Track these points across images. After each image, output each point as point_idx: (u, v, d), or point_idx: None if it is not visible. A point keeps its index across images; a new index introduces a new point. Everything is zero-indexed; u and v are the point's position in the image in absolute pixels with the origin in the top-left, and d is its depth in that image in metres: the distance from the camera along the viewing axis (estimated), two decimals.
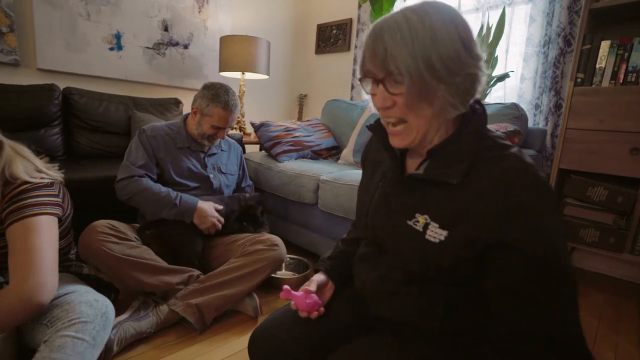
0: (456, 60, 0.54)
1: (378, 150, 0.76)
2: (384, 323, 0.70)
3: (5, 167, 0.89)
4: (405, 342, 0.67)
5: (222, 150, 1.61)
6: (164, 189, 1.37)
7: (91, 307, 0.87)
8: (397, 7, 2.47)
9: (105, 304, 0.92)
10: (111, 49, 2.28)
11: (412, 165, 0.69)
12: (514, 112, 1.67)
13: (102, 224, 1.21)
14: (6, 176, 0.89)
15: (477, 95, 0.60)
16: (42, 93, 1.86)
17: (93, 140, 2.04)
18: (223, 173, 1.58)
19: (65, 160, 1.90)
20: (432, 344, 0.65)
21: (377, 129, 0.71)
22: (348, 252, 0.86)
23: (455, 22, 0.56)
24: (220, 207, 1.42)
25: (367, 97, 0.66)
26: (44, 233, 0.87)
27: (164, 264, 1.27)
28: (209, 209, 1.38)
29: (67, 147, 1.99)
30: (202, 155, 1.52)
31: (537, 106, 2.07)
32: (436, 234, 0.60)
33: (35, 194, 0.91)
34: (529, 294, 0.54)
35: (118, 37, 2.29)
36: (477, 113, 0.62)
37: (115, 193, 1.37)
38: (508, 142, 0.61)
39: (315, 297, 0.76)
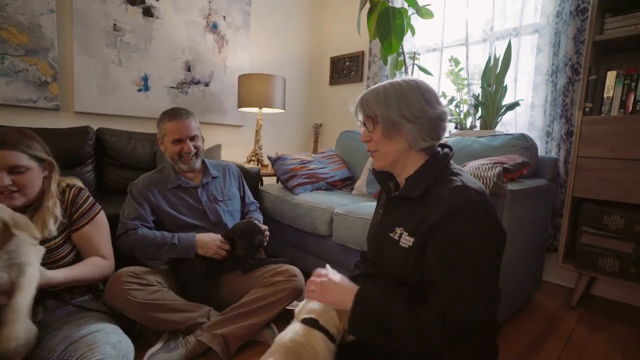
0: (419, 109, 0.83)
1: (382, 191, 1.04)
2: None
3: (60, 181, 1.18)
4: None
5: (213, 177, 1.62)
6: (158, 233, 1.42)
7: (114, 348, 0.95)
8: (406, 41, 2.57)
9: (127, 345, 1.00)
10: (139, 90, 2.46)
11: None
12: (522, 142, 1.70)
13: (124, 272, 1.29)
14: (62, 187, 1.19)
15: (445, 135, 0.90)
16: (78, 135, 2.02)
17: (122, 176, 2.17)
18: (220, 201, 1.60)
19: (97, 196, 2.02)
20: None
21: (378, 174, 0.98)
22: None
23: (419, 88, 0.85)
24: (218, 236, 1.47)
25: None
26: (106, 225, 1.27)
27: (184, 302, 1.35)
28: (207, 236, 1.44)
29: (98, 183, 2.13)
30: (194, 190, 1.55)
31: (548, 133, 2.10)
32: (406, 240, 0.83)
33: (88, 194, 1.25)
34: (434, 272, 0.76)
35: (145, 79, 2.48)
36: (443, 152, 0.89)
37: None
38: (460, 172, 0.85)
39: None
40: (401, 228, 0.85)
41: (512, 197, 1.37)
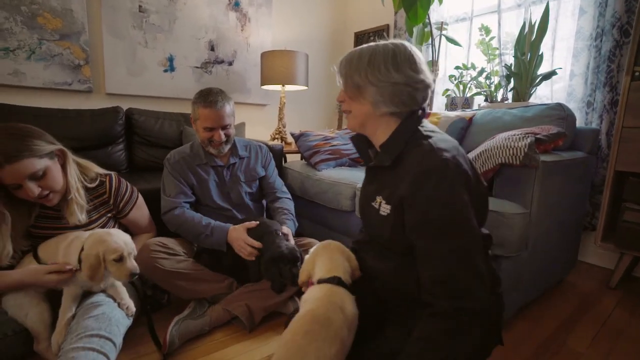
0: (384, 74, 0.81)
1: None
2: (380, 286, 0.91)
3: (81, 173, 1.17)
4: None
5: (240, 158, 1.60)
6: (197, 219, 1.42)
7: (96, 320, 0.98)
8: (432, 11, 2.45)
9: (109, 316, 1.03)
10: (165, 70, 2.51)
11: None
12: (558, 112, 1.59)
13: (153, 242, 1.34)
14: (97, 176, 1.21)
15: (417, 100, 0.84)
16: (110, 115, 2.11)
17: (150, 154, 2.26)
18: (243, 182, 1.59)
19: (128, 173, 2.13)
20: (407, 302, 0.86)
21: (357, 140, 0.98)
22: None
23: (395, 51, 0.82)
24: (254, 223, 1.40)
25: None
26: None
27: (210, 272, 1.40)
28: (237, 238, 1.36)
29: (129, 162, 2.22)
30: (220, 169, 1.55)
31: (589, 104, 1.95)
32: (385, 208, 0.84)
33: (126, 182, 1.31)
34: (422, 245, 0.76)
35: (171, 60, 2.52)
36: (412, 117, 0.85)
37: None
38: (431, 134, 0.82)
39: None
40: (380, 197, 0.86)
41: (545, 168, 1.29)
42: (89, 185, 1.18)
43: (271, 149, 2.07)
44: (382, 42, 0.86)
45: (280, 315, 1.41)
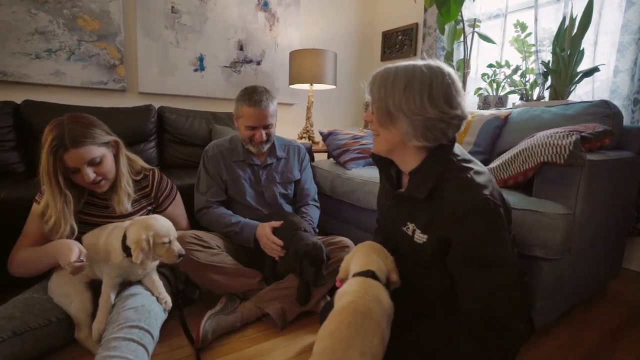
0: (419, 107, 0.77)
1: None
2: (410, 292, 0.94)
3: (133, 162, 1.28)
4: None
5: (278, 158, 1.60)
6: (227, 216, 1.45)
7: (136, 312, 1.00)
8: (465, 8, 2.38)
9: (149, 309, 1.05)
10: (195, 70, 2.56)
11: (404, 183, 0.94)
12: (603, 109, 1.50)
13: (188, 234, 1.36)
14: (142, 169, 1.30)
15: (449, 136, 0.83)
16: (142, 113, 2.16)
17: (180, 152, 2.30)
18: (279, 183, 1.58)
19: (159, 170, 2.17)
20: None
21: (378, 158, 0.97)
22: None
23: (432, 82, 0.78)
24: (278, 223, 1.41)
25: None
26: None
27: (241, 267, 1.40)
28: (263, 236, 1.38)
29: (160, 159, 2.27)
30: (256, 168, 1.55)
31: (636, 101, 1.84)
32: (420, 237, 0.86)
33: (167, 178, 1.38)
34: (465, 279, 0.79)
35: (201, 59, 2.57)
36: (443, 146, 0.83)
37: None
38: (466, 165, 0.82)
39: None
40: (413, 224, 0.88)
41: (591, 168, 1.22)
42: (135, 178, 1.25)
43: None
44: (420, 62, 0.82)
45: (311, 313, 1.40)
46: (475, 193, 0.76)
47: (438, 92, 0.78)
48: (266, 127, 1.47)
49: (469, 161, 0.84)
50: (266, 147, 1.53)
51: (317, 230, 1.60)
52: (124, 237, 1.03)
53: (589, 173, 1.22)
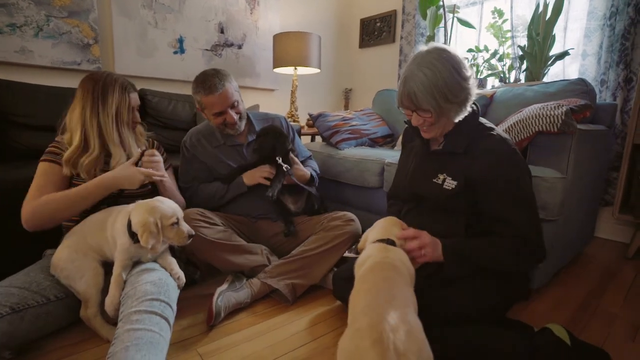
0: (458, 88, 0.94)
1: (411, 139, 1.24)
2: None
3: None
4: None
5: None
6: (211, 186, 1.47)
7: (154, 285, 0.96)
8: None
9: (166, 282, 1.03)
10: (175, 52, 2.45)
11: (433, 145, 1.13)
12: (581, 87, 1.62)
13: (193, 211, 1.32)
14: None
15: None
16: None
17: (164, 136, 2.19)
18: None
19: None
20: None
21: (406, 132, 1.26)
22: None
23: (451, 63, 0.94)
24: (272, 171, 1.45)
25: None
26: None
27: (246, 243, 1.37)
28: (250, 174, 1.45)
29: None
30: (239, 148, 1.53)
31: (602, 82, 2.00)
32: (450, 184, 1.02)
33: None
34: (502, 213, 0.96)
35: (181, 41, 2.46)
36: (473, 111, 1.04)
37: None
38: (492, 126, 1.04)
39: None
40: (444, 174, 1.03)
41: (580, 136, 1.32)
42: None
43: None
44: (425, 58, 0.95)
45: (319, 288, 1.40)
46: (505, 145, 0.98)
47: (459, 67, 0.95)
48: (232, 106, 1.42)
49: (492, 128, 1.04)
50: (242, 124, 1.49)
51: (318, 172, 1.67)
52: (129, 223, 0.98)
53: (579, 141, 1.32)
